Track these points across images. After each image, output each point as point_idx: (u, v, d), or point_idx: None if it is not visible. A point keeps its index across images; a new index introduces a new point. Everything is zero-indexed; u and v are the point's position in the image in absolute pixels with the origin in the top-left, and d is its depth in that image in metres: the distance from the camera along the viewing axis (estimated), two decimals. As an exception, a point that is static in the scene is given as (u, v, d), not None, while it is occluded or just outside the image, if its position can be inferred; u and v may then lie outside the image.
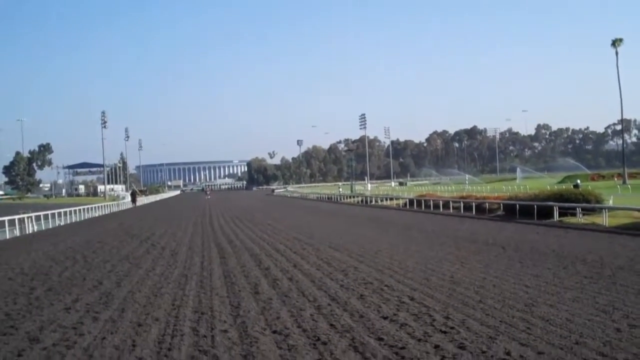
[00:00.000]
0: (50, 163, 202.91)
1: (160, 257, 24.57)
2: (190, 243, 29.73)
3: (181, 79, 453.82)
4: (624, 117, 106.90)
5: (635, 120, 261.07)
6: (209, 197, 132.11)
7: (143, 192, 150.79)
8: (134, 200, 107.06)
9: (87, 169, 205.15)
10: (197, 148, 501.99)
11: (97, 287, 17.58)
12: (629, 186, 73.02)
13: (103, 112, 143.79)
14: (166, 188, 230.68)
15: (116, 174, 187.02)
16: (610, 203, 36.65)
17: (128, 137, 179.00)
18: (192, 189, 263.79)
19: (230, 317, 12.88)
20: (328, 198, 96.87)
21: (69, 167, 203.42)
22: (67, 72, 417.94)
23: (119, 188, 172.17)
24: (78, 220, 59.24)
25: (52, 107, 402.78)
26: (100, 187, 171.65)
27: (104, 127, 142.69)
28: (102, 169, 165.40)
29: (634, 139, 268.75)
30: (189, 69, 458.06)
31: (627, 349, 9.63)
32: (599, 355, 9.39)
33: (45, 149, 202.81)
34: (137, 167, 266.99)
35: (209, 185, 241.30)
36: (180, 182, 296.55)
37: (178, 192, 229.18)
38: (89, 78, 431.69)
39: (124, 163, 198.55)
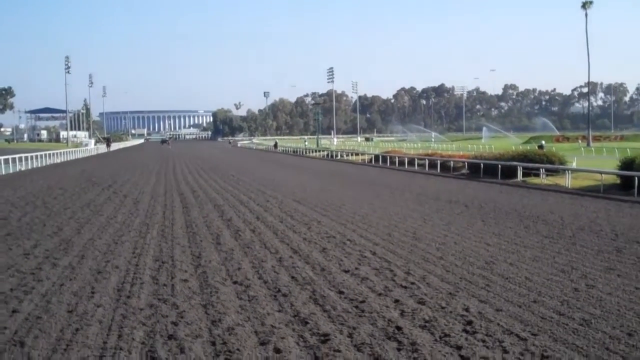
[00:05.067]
0: (11, 107, 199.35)
1: (122, 205, 24.37)
2: (152, 192, 29.50)
3: (148, 26, 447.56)
4: (591, 80, 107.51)
5: (601, 84, 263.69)
6: (169, 147, 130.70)
7: (106, 140, 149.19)
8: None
9: (49, 115, 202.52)
10: (162, 97, 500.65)
11: (57, 233, 17.42)
12: (593, 149, 73.88)
13: (67, 57, 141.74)
14: (130, 136, 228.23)
15: (79, 120, 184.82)
16: (574, 165, 37.03)
17: (92, 83, 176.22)
18: (161, 139, 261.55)
19: (191, 267, 12.83)
20: (294, 152, 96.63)
21: (32, 112, 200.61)
22: (30, 15, 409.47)
23: (82, 135, 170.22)
24: (40, 166, 58.43)
25: (14, 50, 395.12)
26: (63, 134, 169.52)
27: (68, 72, 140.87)
28: (65, 114, 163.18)
29: (600, 102, 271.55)
30: (156, 17, 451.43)
31: (584, 309, 9.75)
32: (556, 313, 9.49)
33: (6, 92, 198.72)
34: (101, 114, 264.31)
35: (172, 136, 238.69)
36: (145, 131, 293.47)
37: (142, 140, 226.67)
38: (52, 21, 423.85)
39: (88, 110, 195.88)
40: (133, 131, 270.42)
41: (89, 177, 41.52)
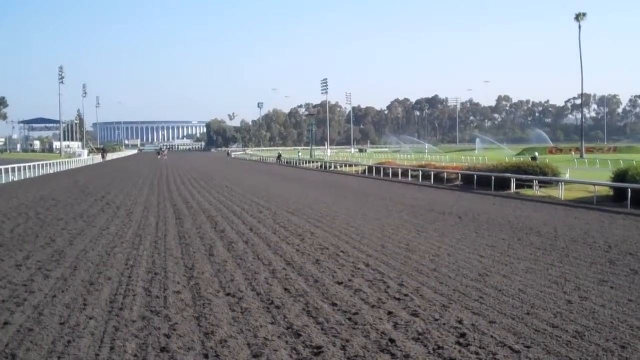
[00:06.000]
0: (5, 117, 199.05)
1: (115, 216, 24.33)
2: (146, 203, 29.46)
3: (142, 37, 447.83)
4: (584, 92, 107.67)
5: (595, 96, 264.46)
6: (166, 158, 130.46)
7: (100, 151, 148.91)
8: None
9: (43, 125, 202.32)
10: (156, 108, 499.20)
11: (50, 244, 17.37)
12: (586, 160, 74.02)
13: (61, 68, 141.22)
14: (123, 147, 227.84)
15: (73, 131, 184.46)
16: (567, 177, 37.14)
17: (86, 93, 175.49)
18: (157, 150, 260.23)
19: (184, 279, 12.80)
20: (287, 163, 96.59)
21: (25, 122, 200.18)
22: (24, 26, 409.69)
23: (76, 145, 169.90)
24: (33, 176, 58.25)
25: (7, 61, 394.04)
26: (56, 144, 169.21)
27: (62, 82, 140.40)
28: (58, 125, 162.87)
29: (593, 114, 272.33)
30: (150, 29, 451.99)
31: (578, 321, 9.75)
32: (550, 326, 9.49)
33: (0, 102, 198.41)
34: (94, 125, 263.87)
35: (166, 146, 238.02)
36: (138, 142, 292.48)
37: (135, 151, 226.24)
38: (46, 32, 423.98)
39: (81, 120, 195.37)
40: (127, 142, 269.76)
41: (82, 188, 41.44)
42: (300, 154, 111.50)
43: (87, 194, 35.96)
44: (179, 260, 15.00)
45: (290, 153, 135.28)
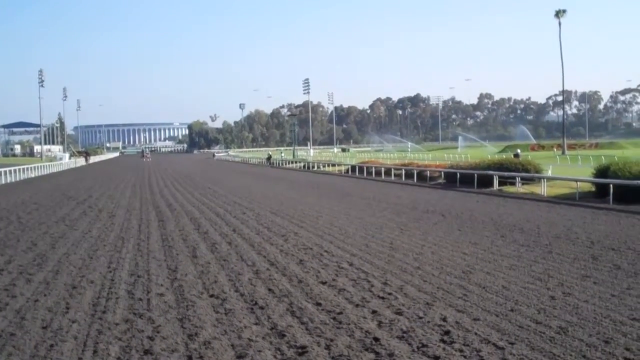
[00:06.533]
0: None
1: (97, 219, 24.19)
2: (128, 206, 29.33)
3: (122, 39, 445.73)
4: (565, 88, 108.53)
5: (576, 92, 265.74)
6: (149, 159, 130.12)
7: (82, 154, 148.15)
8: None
9: (23, 129, 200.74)
10: (137, 110, 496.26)
11: (32, 248, 17.25)
12: (568, 157, 74.32)
13: (40, 71, 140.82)
14: (105, 150, 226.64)
15: (54, 134, 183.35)
16: (549, 173, 37.27)
17: (66, 97, 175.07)
18: (140, 151, 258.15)
19: (167, 281, 12.75)
20: (271, 163, 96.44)
21: (5, 126, 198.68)
22: (3, 29, 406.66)
23: (57, 149, 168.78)
24: (13, 180, 57.79)
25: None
26: (37, 148, 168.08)
27: (42, 86, 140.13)
28: (39, 129, 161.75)
29: (575, 111, 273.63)
30: (131, 31, 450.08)
31: (561, 316, 9.79)
32: (533, 322, 9.53)
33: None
34: (75, 128, 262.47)
35: (148, 148, 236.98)
36: (119, 144, 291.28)
37: (117, 154, 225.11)
38: (27, 35, 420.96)
39: (62, 123, 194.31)
40: (108, 144, 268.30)
41: (63, 191, 41.18)
42: (282, 155, 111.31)
43: (68, 197, 35.74)
44: (162, 262, 14.93)
45: (273, 153, 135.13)
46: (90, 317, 10.13)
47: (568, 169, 46.74)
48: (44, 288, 12.20)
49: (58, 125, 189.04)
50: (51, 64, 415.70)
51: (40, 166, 77.88)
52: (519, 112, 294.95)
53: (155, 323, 9.69)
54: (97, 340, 8.86)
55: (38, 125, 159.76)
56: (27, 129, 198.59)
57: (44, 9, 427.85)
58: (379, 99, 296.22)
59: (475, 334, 8.98)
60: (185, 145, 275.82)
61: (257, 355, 8.23)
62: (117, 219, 24.16)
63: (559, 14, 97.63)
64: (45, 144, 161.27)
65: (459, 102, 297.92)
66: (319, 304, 10.76)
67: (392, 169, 53.77)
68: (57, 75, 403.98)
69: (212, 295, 11.47)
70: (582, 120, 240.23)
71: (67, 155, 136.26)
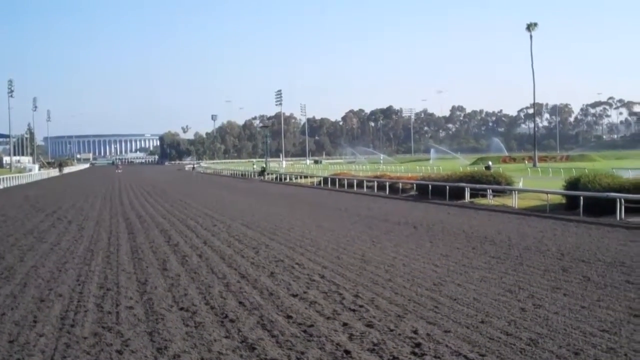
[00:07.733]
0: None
1: (66, 231, 23.97)
2: (98, 217, 29.10)
3: (93, 50, 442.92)
4: (537, 101, 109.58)
5: (547, 105, 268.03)
6: (120, 171, 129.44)
7: (52, 165, 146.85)
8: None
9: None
10: (108, 120, 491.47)
11: (-1, 261, 17.01)
12: (539, 169, 75.04)
13: (10, 81, 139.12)
14: (75, 161, 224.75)
15: (23, 145, 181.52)
16: (520, 185, 37.51)
17: (36, 107, 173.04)
18: (112, 162, 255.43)
19: (137, 294, 12.64)
20: (242, 175, 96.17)
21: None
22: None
23: (26, 160, 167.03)
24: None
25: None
26: (6, 159, 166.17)
27: (11, 96, 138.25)
28: (8, 139, 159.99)
29: (546, 123, 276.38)
30: (101, 41, 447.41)
31: (531, 328, 9.83)
32: (504, 334, 9.55)
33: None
34: (45, 139, 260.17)
35: (119, 159, 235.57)
36: (90, 155, 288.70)
37: (87, 165, 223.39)
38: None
39: (32, 134, 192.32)
40: (78, 156, 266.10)
41: (32, 203, 40.76)
42: (254, 166, 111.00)
43: (37, 209, 35.39)
44: (132, 275, 14.81)
45: (245, 165, 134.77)
46: (58, 330, 10.00)
47: (539, 181, 47.03)
48: (11, 301, 12.03)
49: (28, 136, 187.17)
50: (21, 74, 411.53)
51: (9, 177, 76.99)
52: (490, 124, 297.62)
53: (124, 337, 9.59)
54: (65, 355, 8.76)
55: (7, 136, 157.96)
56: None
57: (13, 18, 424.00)
58: (351, 111, 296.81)
59: (446, 346, 8.98)
60: (157, 157, 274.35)
61: (227, 368, 8.16)
62: (87, 231, 23.94)
63: (530, 27, 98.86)
64: (15, 155, 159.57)
65: (431, 115, 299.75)
66: (289, 317, 10.71)
67: (365, 181, 53.80)
68: (27, 85, 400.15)
69: (182, 308, 11.38)
70: (553, 133, 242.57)
71: (36, 166, 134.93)
